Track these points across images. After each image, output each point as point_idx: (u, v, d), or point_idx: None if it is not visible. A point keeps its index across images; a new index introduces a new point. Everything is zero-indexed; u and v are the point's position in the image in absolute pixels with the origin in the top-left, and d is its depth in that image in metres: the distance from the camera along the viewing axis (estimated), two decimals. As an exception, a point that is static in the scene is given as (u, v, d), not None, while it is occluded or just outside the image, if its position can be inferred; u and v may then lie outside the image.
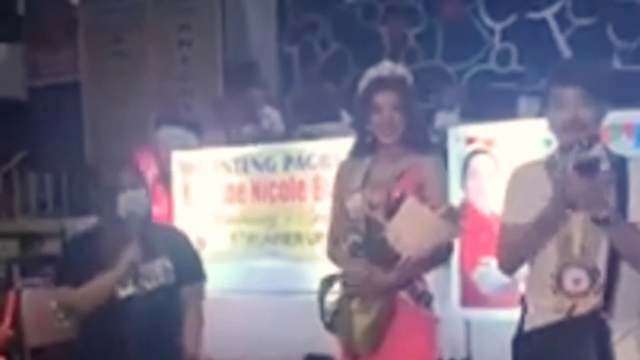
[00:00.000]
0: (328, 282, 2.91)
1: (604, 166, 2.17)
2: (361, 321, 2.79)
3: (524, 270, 2.51)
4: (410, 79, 2.97)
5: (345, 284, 2.88)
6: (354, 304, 2.81)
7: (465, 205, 3.66)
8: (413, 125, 2.91)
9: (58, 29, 9.19)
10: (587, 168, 2.17)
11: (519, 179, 2.50)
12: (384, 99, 2.87)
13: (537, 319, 2.40)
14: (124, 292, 2.83)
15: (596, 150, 2.18)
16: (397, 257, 2.73)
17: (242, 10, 8.11)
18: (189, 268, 3.05)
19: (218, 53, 7.89)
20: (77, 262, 2.92)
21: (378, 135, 2.91)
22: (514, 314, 2.57)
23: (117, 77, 8.57)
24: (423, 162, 2.87)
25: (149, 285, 2.86)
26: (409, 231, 2.73)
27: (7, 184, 8.77)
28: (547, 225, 2.33)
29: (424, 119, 3.02)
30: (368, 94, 2.93)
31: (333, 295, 2.93)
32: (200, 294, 3.16)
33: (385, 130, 2.89)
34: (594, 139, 2.23)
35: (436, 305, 2.92)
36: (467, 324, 4.76)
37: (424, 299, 2.84)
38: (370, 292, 2.78)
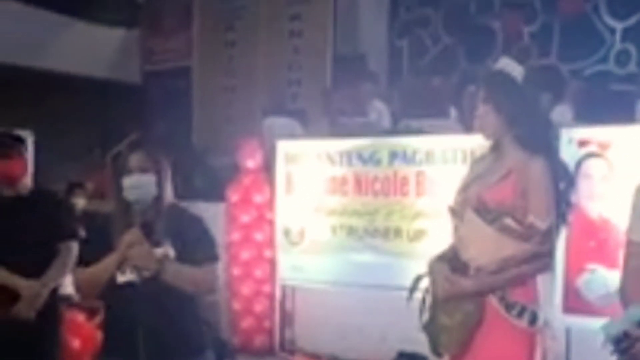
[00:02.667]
0: (416, 281, 2.91)
1: None
2: (445, 322, 2.76)
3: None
4: (516, 72, 2.85)
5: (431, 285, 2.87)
6: (440, 305, 2.79)
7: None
8: (517, 121, 2.80)
9: (173, 16, 9.41)
10: None
11: None
12: (481, 92, 2.85)
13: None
14: (122, 278, 2.78)
15: None
16: (465, 265, 2.72)
17: (354, 2, 8.09)
18: (200, 253, 2.91)
19: (328, 44, 7.87)
20: (91, 244, 2.92)
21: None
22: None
23: (227, 65, 8.71)
24: (530, 162, 2.75)
25: (147, 273, 2.77)
26: (470, 242, 2.73)
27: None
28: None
29: (534, 116, 2.88)
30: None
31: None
32: (214, 273, 2.99)
33: (476, 124, 2.86)
34: None
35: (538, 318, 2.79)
36: (568, 333, 4.60)
37: (515, 309, 2.72)
38: (448, 296, 2.75)
